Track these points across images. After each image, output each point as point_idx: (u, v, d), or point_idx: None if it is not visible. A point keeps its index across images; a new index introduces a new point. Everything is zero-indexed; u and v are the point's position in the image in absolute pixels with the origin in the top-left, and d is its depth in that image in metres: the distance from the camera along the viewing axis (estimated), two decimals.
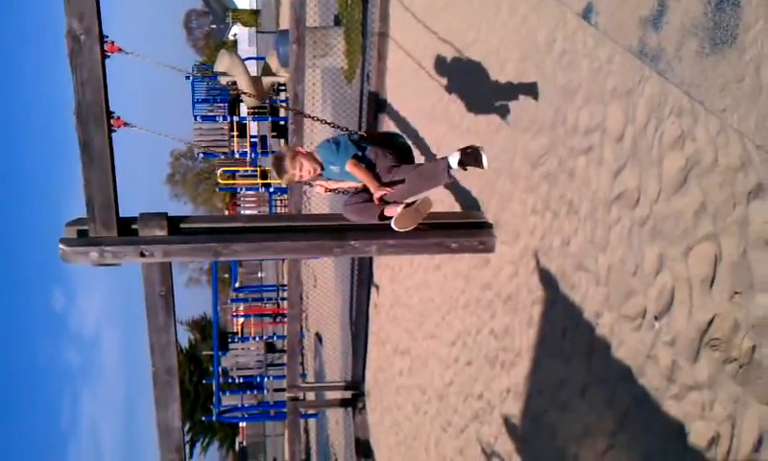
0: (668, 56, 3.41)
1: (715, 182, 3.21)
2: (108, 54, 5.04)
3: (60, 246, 5.39)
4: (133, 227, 5.52)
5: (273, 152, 25.30)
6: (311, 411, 18.78)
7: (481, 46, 6.22)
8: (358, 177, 5.08)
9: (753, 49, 2.84)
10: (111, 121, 5.17)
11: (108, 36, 5.02)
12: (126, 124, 5.45)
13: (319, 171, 5.20)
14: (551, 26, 4.87)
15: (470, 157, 4.73)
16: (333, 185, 5.36)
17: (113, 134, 5.20)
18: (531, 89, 5.26)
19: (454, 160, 4.79)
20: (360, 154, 5.10)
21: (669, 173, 3.55)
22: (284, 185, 4.70)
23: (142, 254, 5.42)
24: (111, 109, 5.15)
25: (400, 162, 5.12)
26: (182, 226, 5.62)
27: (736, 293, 3.07)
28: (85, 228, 5.44)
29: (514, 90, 5.58)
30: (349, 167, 5.05)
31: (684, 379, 3.40)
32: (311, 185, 5.62)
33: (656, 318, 3.65)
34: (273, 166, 5.38)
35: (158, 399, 5.94)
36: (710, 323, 3.25)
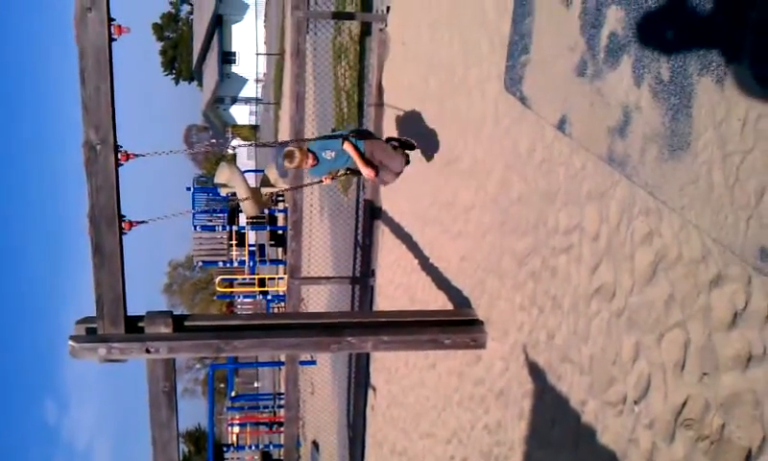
0: (634, 161, 3.78)
1: (681, 274, 3.52)
2: (122, 162, 5.42)
3: (70, 342, 5.63)
4: (140, 324, 5.78)
5: (271, 260, 25.72)
6: None
7: (469, 156, 6.64)
8: (352, 155, 7.35)
9: (704, 153, 3.21)
10: (122, 224, 5.52)
11: (122, 146, 5.42)
12: (137, 222, 5.79)
13: (312, 162, 7.30)
14: (531, 137, 5.28)
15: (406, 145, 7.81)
16: (333, 174, 7.68)
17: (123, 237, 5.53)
18: (515, 195, 5.64)
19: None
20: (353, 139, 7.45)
21: (640, 267, 3.87)
22: (293, 167, 7.54)
23: (148, 351, 5.65)
24: (123, 212, 5.51)
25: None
26: (187, 323, 5.89)
27: (705, 374, 3.33)
28: (94, 326, 5.70)
29: (500, 196, 5.95)
30: (346, 146, 7.34)
31: (663, 460, 3.62)
32: (322, 181, 7.82)
33: (635, 402, 3.90)
34: (285, 157, 7.22)
35: None
36: (684, 404, 3.50)
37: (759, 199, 2.87)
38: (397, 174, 7.78)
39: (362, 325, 5.96)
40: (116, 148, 5.30)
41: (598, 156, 4.19)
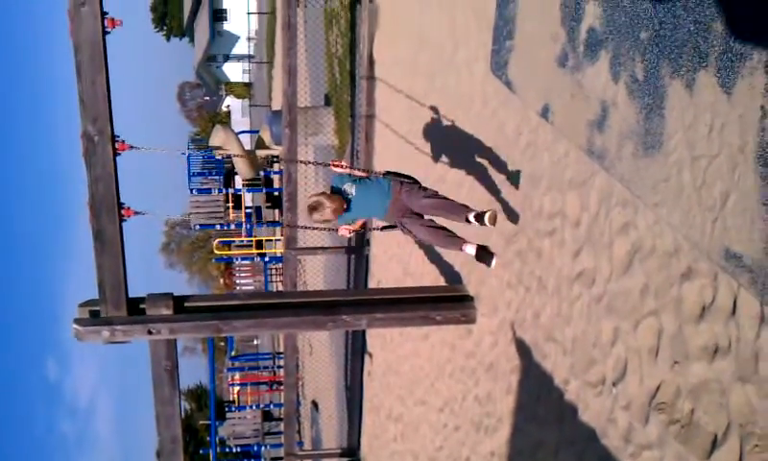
0: (611, 155, 3.94)
1: (655, 265, 3.70)
2: (119, 152, 5.57)
3: (74, 326, 5.84)
4: (141, 306, 5.98)
5: (267, 223, 25.88)
6: None
7: (459, 133, 6.78)
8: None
9: (675, 154, 3.37)
10: (122, 212, 5.68)
11: (119, 136, 5.56)
12: (136, 213, 5.96)
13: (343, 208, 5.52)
14: (517, 120, 5.42)
15: (484, 255, 5.39)
16: (352, 227, 5.81)
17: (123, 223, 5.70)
18: (503, 175, 5.79)
19: (470, 249, 5.44)
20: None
21: (618, 256, 4.05)
22: (323, 220, 5.50)
23: (150, 332, 5.87)
24: (122, 200, 5.67)
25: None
26: (187, 304, 6.08)
27: (676, 362, 3.53)
28: (97, 308, 5.90)
29: (488, 175, 6.11)
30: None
31: (639, 440, 3.84)
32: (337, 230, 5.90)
33: (614, 384, 4.11)
34: (312, 209, 5.43)
35: None
36: (658, 389, 3.70)
37: (724, 203, 3.04)
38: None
39: (357, 303, 6.16)
40: (113, 139, 5.44)
41: (578, 146, 4.34)
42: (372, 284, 10.65)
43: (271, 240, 26.01)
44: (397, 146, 9.04)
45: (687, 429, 3.43)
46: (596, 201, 4.27)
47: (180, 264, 75.94)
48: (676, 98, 3.33)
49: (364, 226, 6.49)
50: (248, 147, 25.94)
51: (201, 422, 35.60)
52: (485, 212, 5.16)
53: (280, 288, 25.45)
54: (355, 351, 11.68)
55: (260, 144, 23.77)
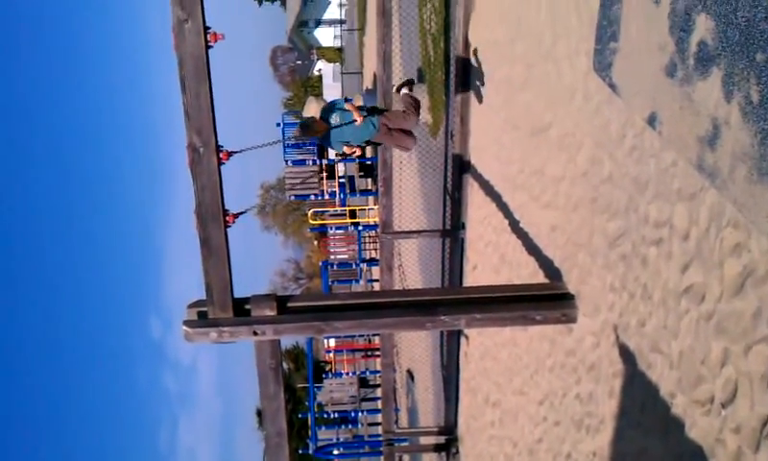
0: (723, 175, 3.81)
1: None
2: (224, 161, 5.73)
3: (184, 327, 6.10)
4: (246, 307, 6.19)
5: (361, 191, 26.14)
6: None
7: (558, 127, 6.66)
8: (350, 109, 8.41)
9: None
10: (226, 218, 5.87)
11: (222, 146, 5.72)
12: (238, 214, 6.15)
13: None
14: (621, 121, 5.28)
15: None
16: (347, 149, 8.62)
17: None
18: (606, 174, 5.67)
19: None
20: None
21: (729, 276, 3.93)
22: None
23: (255, 333, 6.07)
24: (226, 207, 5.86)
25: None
26: (290, 304, 6.26)
27: None
28: (205, 309, 6.15)
29: (590, 172, 6.00)
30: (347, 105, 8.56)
31: None
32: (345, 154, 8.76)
33: (723, 406, 4.02)
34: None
35: (270, 460, 6.56)
36: None
37: None
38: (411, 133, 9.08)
39: (455, 302, 6.19)
40: (218, 149, 5.61)
41: (687, 160, 4.21)
42: (467, 269, 10.65)
43: (364, 209, 26.30)
44: (494, 132, 8.95)
45: None
46: (706, 217, 4.14)
47: (276, 227, 77.62)
48: None
49: (361, 148, 8.91)
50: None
51: (299, 384, 36.66)
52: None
53: (374, 256, 25.75)
54: (452, 330, 11.74)
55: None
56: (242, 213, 6.34)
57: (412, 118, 8.91)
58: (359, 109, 8.63)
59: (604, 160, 5.71)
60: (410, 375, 19.70)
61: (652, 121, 4.64)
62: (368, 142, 8.88)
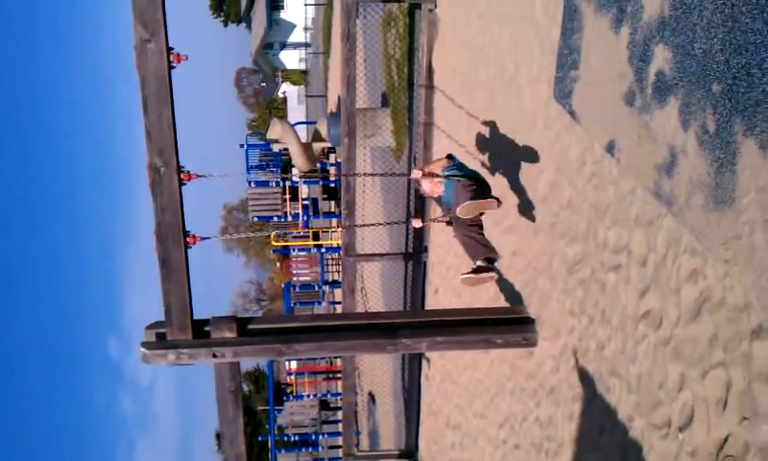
0: (680, 202, 3.88)
1: (724, 317, 3.64)
2: (185, 182, 5.69)
3: (142, 349, 6.02)
4: (206, 329, 6.12)
5: (324, 214, 26.10)
6: None
7: (520, 153, 6.74)
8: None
9: (747, 213, 3.30)
10: (187, 239, 5.81)
11: (184, 166, 5.68)
12: (203, 238, 6.08)
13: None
14: (581, 148, 5.36)
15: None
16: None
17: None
18: (565, 200, 5.74)
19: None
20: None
21: (686, 302, 4.00)
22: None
23: (214, 355, 6.01)
24: (188, 228, 5.80)
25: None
26: (250, 327, 6.21)
27: (745, 418, 3.49)
28: (163, 331, 6.06)
29: (550, 198, 6.07)
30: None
31: None
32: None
33: (680, 430, 4.07)
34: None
35: None
36: (725, 440, 3.66)
37: None
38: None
39: (417, 325, 6.20)
40: (179, 170, 5.57)
41: (645, 187, 4.29)
42: (430, 292, 10.68)
43: (327, 231, 26.24)
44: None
45: None
46: (663, 243, 4.21)
47: (238, 248, 77.03)
48: (749, 157, 3.27)
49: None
50: (304, 138, 26.15)
51: (259, 407, 36.25)
52: (480, 269, 6.32)
53: (336, 278, 25.69)
54: (414, 353, 11.73)
55: (317, 137, 23.93)
56: (206, 238, 6.27)
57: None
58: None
59: (564, 186, 5.79)
60: (371, 397, 19.60)
61: (611, 148, 4.72)
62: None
